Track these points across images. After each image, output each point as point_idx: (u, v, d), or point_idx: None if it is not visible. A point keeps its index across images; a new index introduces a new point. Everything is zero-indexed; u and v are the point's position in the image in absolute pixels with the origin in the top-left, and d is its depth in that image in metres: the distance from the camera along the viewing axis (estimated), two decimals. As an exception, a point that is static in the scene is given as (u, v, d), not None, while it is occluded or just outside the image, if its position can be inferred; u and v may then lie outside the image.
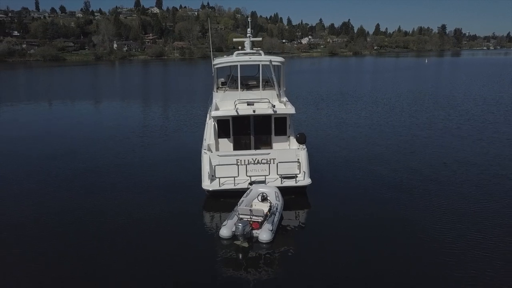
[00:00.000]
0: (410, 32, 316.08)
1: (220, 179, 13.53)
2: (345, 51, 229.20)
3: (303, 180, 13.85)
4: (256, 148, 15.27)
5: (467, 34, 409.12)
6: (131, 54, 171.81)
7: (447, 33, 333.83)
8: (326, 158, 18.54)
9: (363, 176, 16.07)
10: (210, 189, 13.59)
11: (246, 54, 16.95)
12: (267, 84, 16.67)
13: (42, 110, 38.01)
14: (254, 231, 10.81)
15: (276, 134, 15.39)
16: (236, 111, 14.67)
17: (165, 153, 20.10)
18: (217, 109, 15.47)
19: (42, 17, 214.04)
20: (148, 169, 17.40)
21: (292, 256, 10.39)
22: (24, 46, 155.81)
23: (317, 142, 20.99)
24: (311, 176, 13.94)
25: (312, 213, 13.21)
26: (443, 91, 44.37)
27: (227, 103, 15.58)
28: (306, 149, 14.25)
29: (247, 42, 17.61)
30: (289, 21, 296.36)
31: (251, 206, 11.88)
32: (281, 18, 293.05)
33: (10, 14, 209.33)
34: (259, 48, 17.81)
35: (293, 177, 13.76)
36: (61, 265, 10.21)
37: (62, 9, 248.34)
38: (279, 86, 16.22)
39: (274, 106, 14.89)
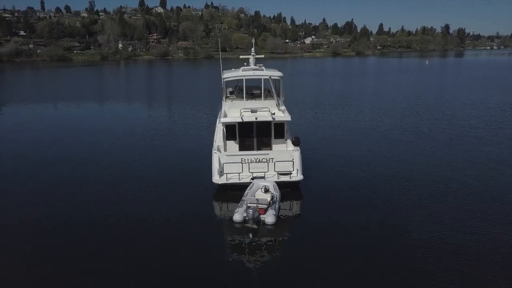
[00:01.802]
0: (414, 32, 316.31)
1: (228, 174, 15.99)
2: (348, 51, 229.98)
3: (296, 176, 16.18)
4: (258, 149, 17.56)
5: (471, 34, 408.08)
6: (136, 54, 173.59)
7: (450, 32, 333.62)
8: (318, 158, 20.79)
9: (349, 175, 18.30)
10: (219, 183, 15.97)
11: (250, 69, 19.37)
12: (269, 94, 18.95)
13: (53, 112, 39.80)
14: (261, 216, 13.23)
15: (275, 138, 17.77)
16: (242, 118, 17.01)
17: (177, 153, 22.33)
18: (225, 115, 17.81)
19: (47, 17, 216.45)
20: (163, 167, 19.66)
21: (291, 235, 13.04)
22: (31, 46, 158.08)
23: (311, 144, 23.03)
24: (303, 173, 16.26)
25: (304, 203, 15.72)
26: (436, 96, 45.61)
27: (234, 111, 17.92)
28: (299, 150, 16.56)
29: (251, 59, 20.21)
30: (292, 20, 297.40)
31: (255, 196, 14.30)
32: (284, 17, 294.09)
33: (16, 14, 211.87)
34: (261, 64, 20.21)
35: (288, 173, 16.15)
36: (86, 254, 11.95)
37: (67, 8, 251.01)
38: (278, 96, 18.63)
39: (273, 114, 17.28)
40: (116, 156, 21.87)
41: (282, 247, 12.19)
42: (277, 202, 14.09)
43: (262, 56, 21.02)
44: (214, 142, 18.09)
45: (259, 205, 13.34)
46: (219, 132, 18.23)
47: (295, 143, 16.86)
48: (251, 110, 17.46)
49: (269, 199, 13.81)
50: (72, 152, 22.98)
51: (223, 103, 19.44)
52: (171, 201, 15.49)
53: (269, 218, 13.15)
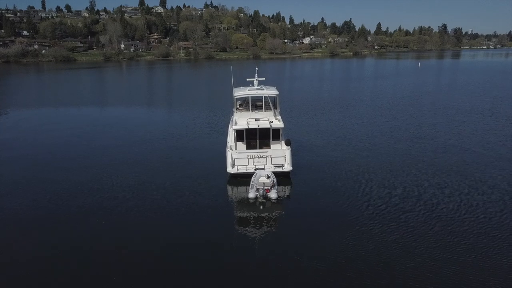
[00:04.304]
0: (411, 32, 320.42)
1: (238, 166, 21.18)
2: (346, 51, 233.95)
3: (287, 168, 21.27)
4: (260, 148, 22.72)
5: (469, 33, 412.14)
6: (138, 55, 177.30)
7: (449, 32, 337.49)
8: (305, 155, 25.62)
9: (329, 167, 23.43)
10: (232, 172, 21.15)
11: (254, 89, 24.87)
12: (269, 106, 24.37)
13: (69, 115, 42.68)
14: (267, 194, 18.44)
15: (273, 140, 23.03)
16: (248, 125, 22.27)
17: (196, 151, 27.27)
18: (236, 123, 23.05)
19: (50, 17, 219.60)
20: (187, 162, 24.58)
21: (287, 207, 18.50)
22: (36, 47, 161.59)
23: (301, 144, 27.82)
24: (292, 166, 21.41)
25: (293, 187, 20.85)
26: (420, 102, 48.95)
27: (242, 120, 23.09)
28: (290, 149, 21.74)
29: (255, 81, 25.53)
30: (291, 20, 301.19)
31: (261, 181, 19.29)
32: (283, 17, 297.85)
33: (18, 14, 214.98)
34: (262, 86, 25.48)
35: (281, 166, 21.27)
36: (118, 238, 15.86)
37: (68, 8, 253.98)
38: (275, 108, 24.27)
39: (271, 122, 22.55)
40: (143, 155, 26.36)
41: (282, 215, 17.69)
42: (275, 185, 19.19)
43: (264, 78, 26.12)
44: (228, 143, 23.48)
45: (265, 187, 18.51)
46: (231, 135, 23.61)
47: (287, 143, 22.12)
48: (255, 119, 22.68)
49: (271, 182, 18.92)
50: (98, 150, 27.09)
51: (234, 113, 25.01)
52: (196, 186, 20.52)
53: (273, 195, 18.37)
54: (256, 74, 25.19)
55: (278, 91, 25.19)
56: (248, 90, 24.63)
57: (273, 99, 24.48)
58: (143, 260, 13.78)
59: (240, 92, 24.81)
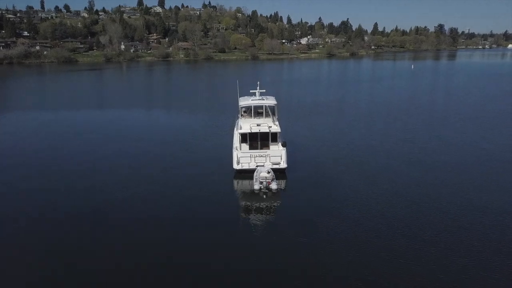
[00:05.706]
0: (408, 32, 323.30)
1: (242, 163, 24.90)
2: (343, 51, 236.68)
3: (283, 165, 25.07)
4: (261, 148, 26.30)
5: (465, 32, 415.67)
6: (139, 56, 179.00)
7: (446, 31, 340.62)
8: (298, 154, 29.20)
9: (318, 164, 27.35)
10: (237, 169, 24.99)
11: (256, 99, 28.79)
12: (268, 113, 28.30)
13: (75, 118, 45.20)
14: (269, 185, 22.02)
15: (271, 142, 26.72)
16: (251, 129, 26.13)
17: (205, 151, 30.92)
18: (240, 128, 26.87)
19: (49, 17, 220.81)
20: (196, 161, 28.25)
21: (285, 196, 22.56)
22: (37, 48, 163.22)
23: (295, 146, 31.09)
24: (287, 163, 25.21)
25: (288, 181, 24.73)
26: (409, 106, 51.71)
27: (246, 125, 27.03)
28: (285, 149, 25.55)
29: (257, 93, 29.23)
30: (289, 20, 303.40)
31: (263, 175, 22.68)
32: (281, 17, 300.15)
33: (18, 14, 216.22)
34: (263, 96, 29.19)
35: (278, 163, 24.97)
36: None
37: (67, 8, 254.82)
38: (274, 115, 28.18)
39: (270, 127, 26.36)
40: (155, 155, 29.71)
41: (281, 202, 21.71)
42: (275, 179, 22.78)
43: (264, 90, 29.76)
44: (233, 144, 27.40)
45: (267, 180, 22.15)
46: (236, 137, 27.49)
47: (283, 145, 25.94)
48: (257, 124, 26.57)
49: (271, 176, 22.52)
50: (119, 151, 29.93)
51: (239, 119, 28.99)
52: (207, 180, 24.31)
53: (274, 186, 22.16)
54: (258, 87, 29.11)
55: (276, 100, 28.96)
56: (251, 100, 28.62)
57: (272, 108, 28.41)
58: (158, 241, 17.05)
59: (244, 102, 28.78)
